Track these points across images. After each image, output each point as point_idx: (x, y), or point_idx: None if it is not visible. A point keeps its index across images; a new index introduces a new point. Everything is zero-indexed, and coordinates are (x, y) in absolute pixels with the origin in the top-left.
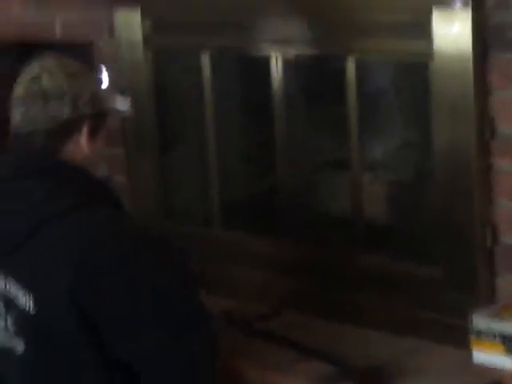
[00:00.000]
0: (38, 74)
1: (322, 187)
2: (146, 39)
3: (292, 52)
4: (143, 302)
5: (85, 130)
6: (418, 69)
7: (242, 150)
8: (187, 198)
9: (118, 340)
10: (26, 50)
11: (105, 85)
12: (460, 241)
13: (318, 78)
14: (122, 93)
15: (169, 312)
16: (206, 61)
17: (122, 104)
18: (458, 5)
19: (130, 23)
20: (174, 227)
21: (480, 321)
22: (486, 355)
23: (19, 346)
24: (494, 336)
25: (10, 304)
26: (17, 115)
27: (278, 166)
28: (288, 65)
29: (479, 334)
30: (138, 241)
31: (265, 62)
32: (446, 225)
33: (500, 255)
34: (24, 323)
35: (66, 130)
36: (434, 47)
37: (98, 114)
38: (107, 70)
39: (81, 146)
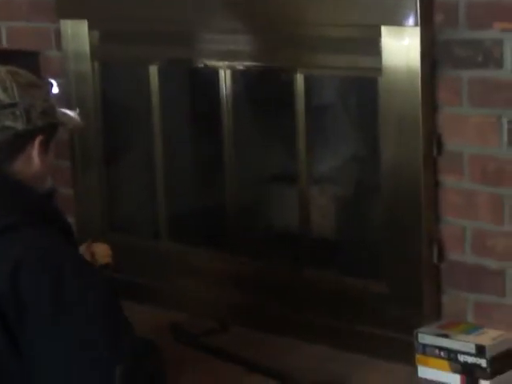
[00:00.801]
0: None
1: (270, 201)
2: (94, 50)
3: (241, 65)
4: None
5: (37, 142)
6: (366, 84)
7: (190, 162)
8: (134, 210)
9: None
10: None
11: (53, 96)
12: (406, 257)
13: (267, 92)
14: (70, 104)
15: (88, 345)
16: (153, 72)
17: (73, 115)
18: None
19: (77, 34)
20: (120, 240)
21: (425, 337)
22: (431, 371)
23: None
24: (439, 352)
25: None
26: None
27: (226, 178)
28: (237, 77)
29: (424, 349)
30: (65, 267)
31: (213, 74)
32: (392, 240)
33: (446, 272)
34: None
35: (19, 142)
36: (383, 63)
37: (49, 126)
38: (54, 81)
39: (32, 159)
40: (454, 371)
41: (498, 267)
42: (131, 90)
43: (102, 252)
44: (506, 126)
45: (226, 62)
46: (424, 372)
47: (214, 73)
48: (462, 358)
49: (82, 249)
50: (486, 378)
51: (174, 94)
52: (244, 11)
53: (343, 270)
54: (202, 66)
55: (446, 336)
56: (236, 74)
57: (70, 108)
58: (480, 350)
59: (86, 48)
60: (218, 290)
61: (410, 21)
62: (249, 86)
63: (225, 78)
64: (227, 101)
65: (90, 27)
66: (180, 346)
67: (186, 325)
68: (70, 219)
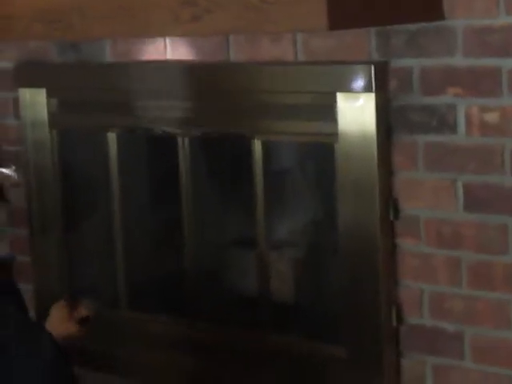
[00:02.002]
0: None
1: (229, 266)
2: (52, 118)
3: (199, 131)
4: None
5: None
6: (323, 149)
7: (149, 229)
8: (93, 277)
9: None
10: None
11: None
12: (365, 320)
13: (225, 158)
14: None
15: None
16: (112, 139)
17: (9, 173)
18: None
19: (36, 102)
20: None
21: None
22: None
23: None
24: None
25: None
26: None
27: (185, 245)
28: (195, 144)
29: None
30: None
31: (171, 141)
32: (351, 304)
33: (405, 335)
34: None
35: None
36: (339, 129)
37: None
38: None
39: None
40: None
41: (455, 330)
42: (89, 158)
43: (85, 305)
44: (460, 190)
45: (184, 129)
46: None
47: (172, 140)
48: None
49: (60, 305)
50: None
51: (133, 161)
52: (202, 79)
53: (303, 334)
54: (160, 132)
55: None
56: (194, 141)
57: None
58: None
59: (44, 116)
60: (177, 357)
61: (365, 87)
62: (207, 152)
63: (183, 145)
64: (185, 167)
65: (49, 95)
66: None
67: None
68: (28, 286)
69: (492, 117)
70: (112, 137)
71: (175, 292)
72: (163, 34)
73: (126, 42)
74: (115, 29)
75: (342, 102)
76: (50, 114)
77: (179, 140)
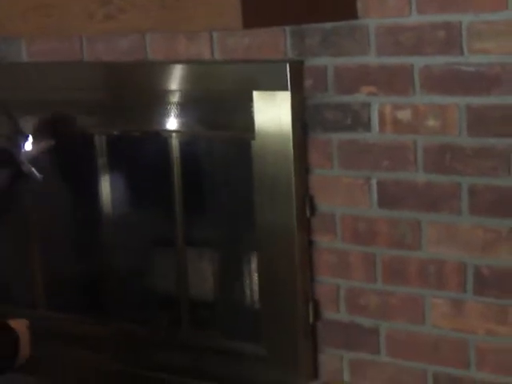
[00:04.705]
0: None
1: (148, 266)
2: None
3: (116, 130)
4: None
5: None
6: (240, 148)
7: (66, 229)
8: (9, 277)
9: None
10: None
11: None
12: (283, 317)
13: (143, 157)
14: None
15: None
16: None
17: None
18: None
19: None
20: None
21: None
22: None
23: None
24: None
25: None
26: None
27: (104, 244)
28: (113, 143)
29: None
30: None
31: (89, 140)
32: (269, 301)
33: (322, 331)
34: None
35: None
36: (256, 127)
37: None
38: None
39: None
40: None
41: (371, 325)
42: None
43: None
44: (374, 187)
45: (102, 128)
46: None
47: (90, 138)
48: None
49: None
50: None
51: (50, 160)
52: (119, 78)
53: (221, 332)
54: (78, 131)
55: None
56: (111, 140)
57: None
58: None
59: None
60: (96, 357)
61: (281, 86)
62: (125, 151)
63: (101, 143)
64: (103, 166)
65: None
66: None
67: None
68: None
69: (404, 115)
70: None
71: (92, 292)
72: (78, 32)
73: (43, 41)
74: (29, 27)
75: (259, 100)
76: None
77: (96, 138)
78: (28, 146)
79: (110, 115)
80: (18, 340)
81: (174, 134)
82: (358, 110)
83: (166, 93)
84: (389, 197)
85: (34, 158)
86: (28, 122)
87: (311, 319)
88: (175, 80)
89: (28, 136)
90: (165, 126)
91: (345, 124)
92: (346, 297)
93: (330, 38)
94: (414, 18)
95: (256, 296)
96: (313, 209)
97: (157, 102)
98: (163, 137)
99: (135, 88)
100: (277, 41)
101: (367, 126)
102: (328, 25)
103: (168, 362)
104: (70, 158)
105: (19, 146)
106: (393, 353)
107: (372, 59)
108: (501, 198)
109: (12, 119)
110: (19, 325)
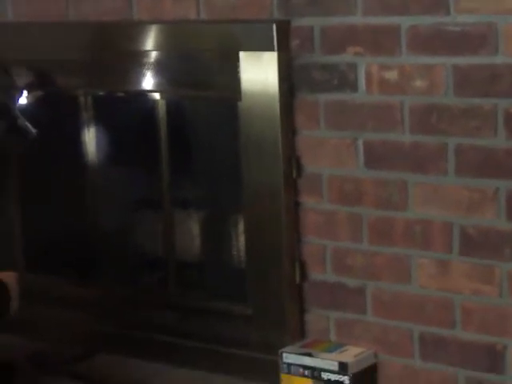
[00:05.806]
0: None
1: (135, 227)
2: None
3: (102, 91)
4: None
5: None
6: (226, 109)
7: (51, 190)
8: None
9: None
10: None
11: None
12: (269, 278)
13: (129, 118)
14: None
15: None
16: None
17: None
18: None
19: None
20: None
21: (289, 356)
22: None
23: None
24: (304, 371)
25: None
26: None
27: (90, 206)
28: (98, 104)
29: (289, 369)
30: None
31: (75, 101)
32: (255, 262)
33: (308, 291)
34: None
35: None
36: (242, 87)
37: None
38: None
39: None
40: None
41: (357, 285)
42: None
43: None
44: (361, 148)
45: (87, 89)
46: None
47: (75, 99)
48: (325, 375)
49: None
50: None
51: (36, 121)
52: (104, 38)
53: (208, 292)
54: (64, 93)
55: (309, 355)
56: (97, 100)
57: None
58: (342, 368)
59: None
60: (84, 317)
61: (267, 46)
62: (111, 111)
63: (85, 104)
64: (89, 127)
65: None
66: (45, 376)
67: (51, 353)
68: None
69: (391, 75)
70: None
71: (79, 253)
72: None
73: (29, 1)
74: None
75: (245, 60)
76: None
77: (81, 99)
78: (23, 100)
79: (95, 76)
80: (6, 288)
81: (159, 95)
82: (344, 71)
83: (152, 53)
84: (375, 157)
85: (28, 112)
86: (22, 77)
87: (298, 279)
88: (161, 40)
89: (23, 91)
90: (151, 86)
91: (331, 84)
92: (332, 257)
93: None
94: None
95: (243, 256)
96: (299, 170)
97: (142, 63)
98: (149, 97)
99: (120, 48)
100: (263, 1)
101: (354, 87)
102: None
103: (155, 322)
104: (57, 119)
105: (15, 99)
106: (379, 313)
107: (359, 19)
108: (487, 158)
109: (8, 74)
110: (6, 275)
